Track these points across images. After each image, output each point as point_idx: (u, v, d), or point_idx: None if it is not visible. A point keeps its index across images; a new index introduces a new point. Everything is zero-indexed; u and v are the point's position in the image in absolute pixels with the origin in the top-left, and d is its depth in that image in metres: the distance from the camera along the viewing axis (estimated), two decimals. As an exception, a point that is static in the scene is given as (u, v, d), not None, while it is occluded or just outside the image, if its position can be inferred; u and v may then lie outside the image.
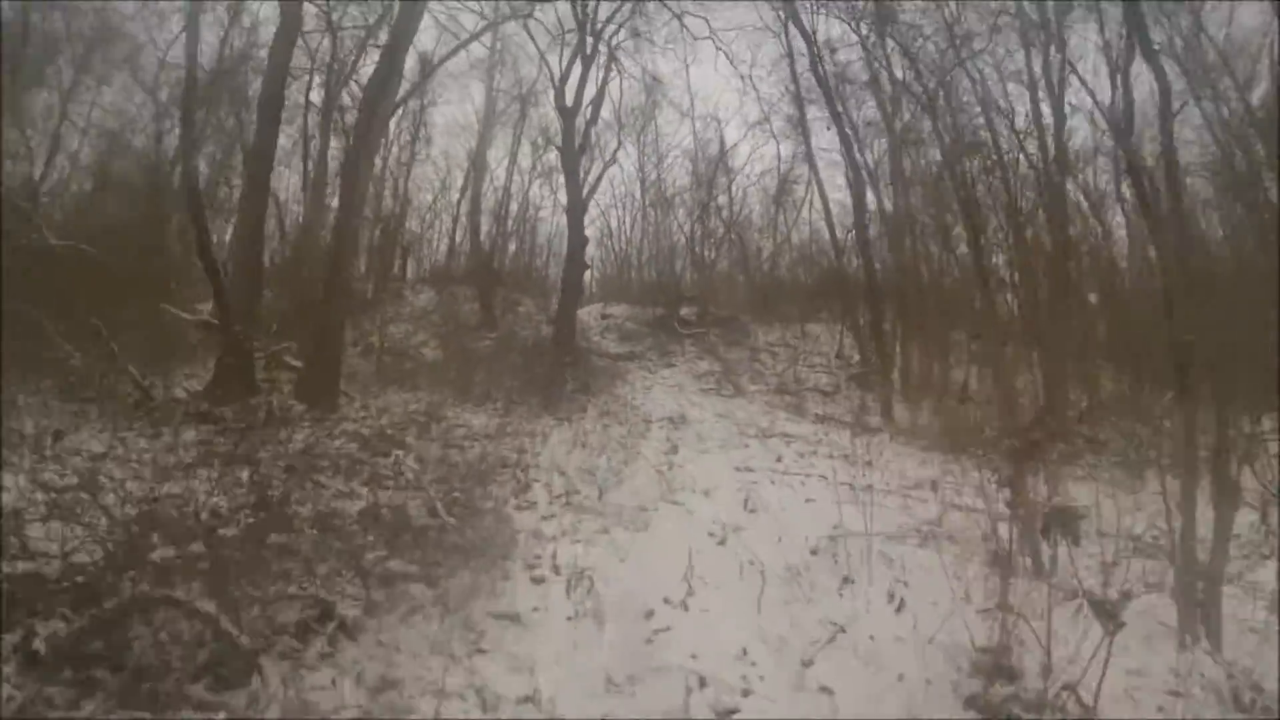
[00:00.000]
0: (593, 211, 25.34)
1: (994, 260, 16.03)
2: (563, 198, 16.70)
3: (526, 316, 16.65)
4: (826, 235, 20.34)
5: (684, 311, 18.09)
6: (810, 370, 15.58)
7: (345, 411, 8.53)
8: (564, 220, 15.99)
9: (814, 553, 5.37)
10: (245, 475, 5.18)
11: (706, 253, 22.78)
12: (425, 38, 19.41)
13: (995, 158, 12.94)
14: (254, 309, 9.17)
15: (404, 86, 12.25)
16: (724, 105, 39.12)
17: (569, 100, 15.92)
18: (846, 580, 4.87)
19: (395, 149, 19.42)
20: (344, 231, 9.42)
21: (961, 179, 13.61)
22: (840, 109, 15.93)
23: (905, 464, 8.21)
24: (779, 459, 8.43)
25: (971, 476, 6.87)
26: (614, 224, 26.14)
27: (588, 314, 20.81)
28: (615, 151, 19.59)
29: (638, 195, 24.78)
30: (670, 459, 8.03)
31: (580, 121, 16.57)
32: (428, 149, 20.53)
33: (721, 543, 5.52)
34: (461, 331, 14.95)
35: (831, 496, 6.47)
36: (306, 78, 16.26)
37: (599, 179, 19.17)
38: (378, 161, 20.09)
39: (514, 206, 21.90)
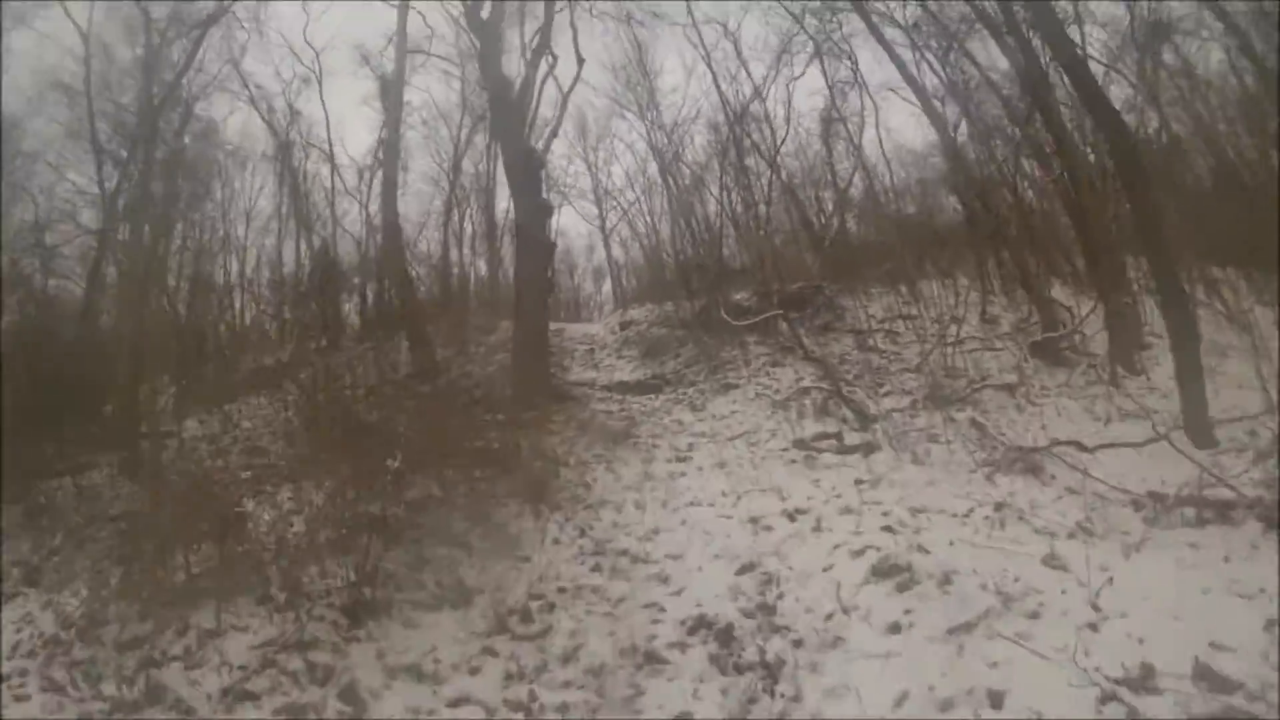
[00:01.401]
0: (614, 213, 20.19)
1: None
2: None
3: (499, 346, 10.90)
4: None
5: (736, 296, 11.98)
6: (962, 351, 9.29)
7: None
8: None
9: None
10: None
11: (751, 222, 16.72)
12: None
13: None
14: None
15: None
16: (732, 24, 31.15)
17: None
18: None
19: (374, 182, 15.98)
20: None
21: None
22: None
23: None
24: None
25: None
26: (641, 225, 20.43)
27: (604, 328, 15.04)
28: (579, 70, 13.36)
29: (656, 175, 18.98)
30: None
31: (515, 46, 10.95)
32: (405, 175, 16.56)
33: None
34: (386, 388, 9.34)
35: None
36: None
37: (543, 116, 13.26)
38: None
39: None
